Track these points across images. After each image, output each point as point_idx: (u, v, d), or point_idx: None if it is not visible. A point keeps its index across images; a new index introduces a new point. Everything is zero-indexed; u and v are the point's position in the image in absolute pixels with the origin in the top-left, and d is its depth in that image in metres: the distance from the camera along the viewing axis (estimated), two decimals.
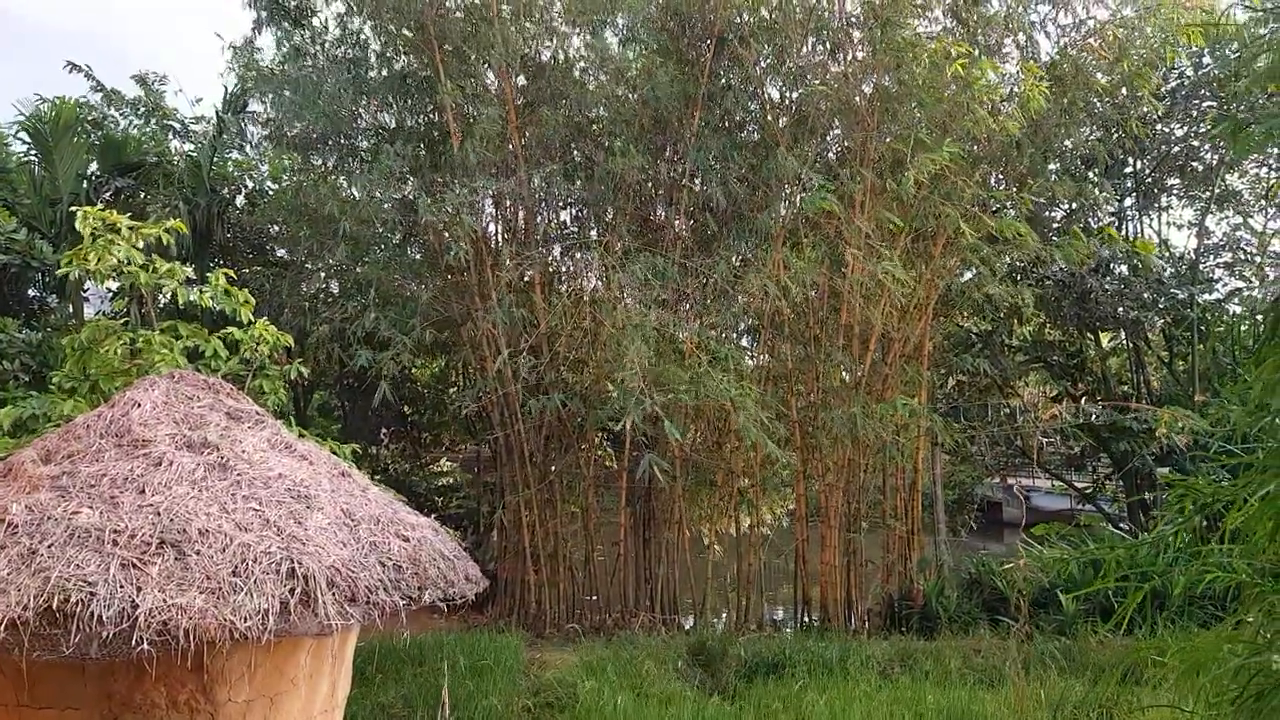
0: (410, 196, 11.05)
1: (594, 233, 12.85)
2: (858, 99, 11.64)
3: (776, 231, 11.38)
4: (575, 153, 12.13)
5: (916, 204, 11.19)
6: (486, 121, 11.08)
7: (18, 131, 12.98)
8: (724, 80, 11.98)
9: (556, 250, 13.17)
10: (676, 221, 11.96)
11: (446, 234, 11.02)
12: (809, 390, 12.02)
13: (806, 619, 12.06)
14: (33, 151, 12.95)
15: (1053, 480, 18.33)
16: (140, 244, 7.72)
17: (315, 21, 12.66)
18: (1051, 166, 13.14)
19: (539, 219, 12.74)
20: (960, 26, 11.75)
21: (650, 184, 12.19)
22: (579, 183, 11.86)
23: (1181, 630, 8.80)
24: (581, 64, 12.05)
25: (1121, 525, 14.53)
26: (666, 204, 12.25)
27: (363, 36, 12.51)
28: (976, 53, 11.31)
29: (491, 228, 12.82)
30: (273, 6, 12.39)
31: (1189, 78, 13.71)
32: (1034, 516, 16.90)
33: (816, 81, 11.75)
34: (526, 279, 12.23)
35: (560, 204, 12.91)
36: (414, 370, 16.04)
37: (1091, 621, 10.11)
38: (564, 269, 13.22)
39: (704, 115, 11.55)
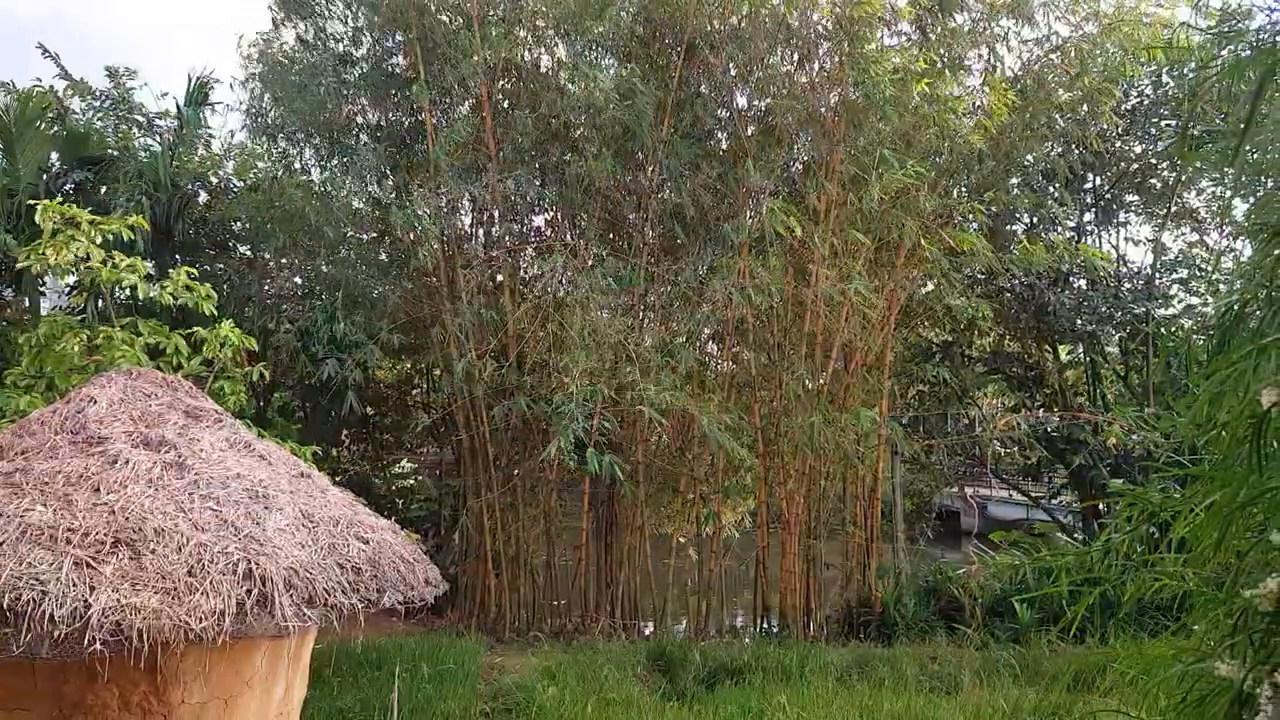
0: (386, 198, 11.02)
1: (566, 236, 12.85)
2: (824, 110, 11.75)
3: (742, 240, 11.45)
4: (549, 157, 12.12)
5: (879, 216, 11.32)
6: (462, 123, 11.07)
7: None
8: (693, 88, 12.05)
9: (525, 254, 13.17)
10: (645, 228, 12.00)
11: (417, 232, 11.00)
12: (771, 398, 12.10)
13: (766, 625, 12.12)
14: None
15: (1009, 489, 18.57)
16: (100, 239, 7.61)
17: (316, 14, 12.64)
18: (1012, 181, 13.36)
19: (510, 222, 12.74)
20: (926, 40, 11.88)
21: (619, 190, 12.22)
22: (551, 187, 11.85)
23: (1131, 638, 8.97)
24: (559, 71, 12.07)
25: (1076, 535, 14.76)
26: (634, 210, 12.28)
27: (357, 33, 12.48)
28: (940, 66, 11.47)
29: (463, 229, 12.79)
30: None
31: (1148, 96, 13.99)
32: (990, 525, 17.13)
33: (784, 91, 11.85)
34: (496, 281, 12.22)
35: (531, 208, 12.93)
36: (377, 371, 15.92)
37: (1045, 629, 10.28)
38: (532, 272, 13.24)
39: (673, 122, 11.60)
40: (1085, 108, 12.32)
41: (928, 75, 10.64)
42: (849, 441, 11.32)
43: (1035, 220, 14.51)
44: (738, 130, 12.33)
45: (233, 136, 14.58)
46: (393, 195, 11.07)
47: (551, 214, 13.14)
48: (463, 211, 12.53)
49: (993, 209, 12.56)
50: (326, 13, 12.52)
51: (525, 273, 12.99)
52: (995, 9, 12.01)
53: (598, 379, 10.28)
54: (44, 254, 7.32)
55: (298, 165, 13.13)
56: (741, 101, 12.60)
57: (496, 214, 12.43)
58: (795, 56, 12.10)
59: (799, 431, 11.00)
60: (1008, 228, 14.48)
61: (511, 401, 11.04)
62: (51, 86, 13.50)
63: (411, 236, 11.23)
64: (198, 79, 14.18)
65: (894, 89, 10.86)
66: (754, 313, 11.48)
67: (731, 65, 11.72)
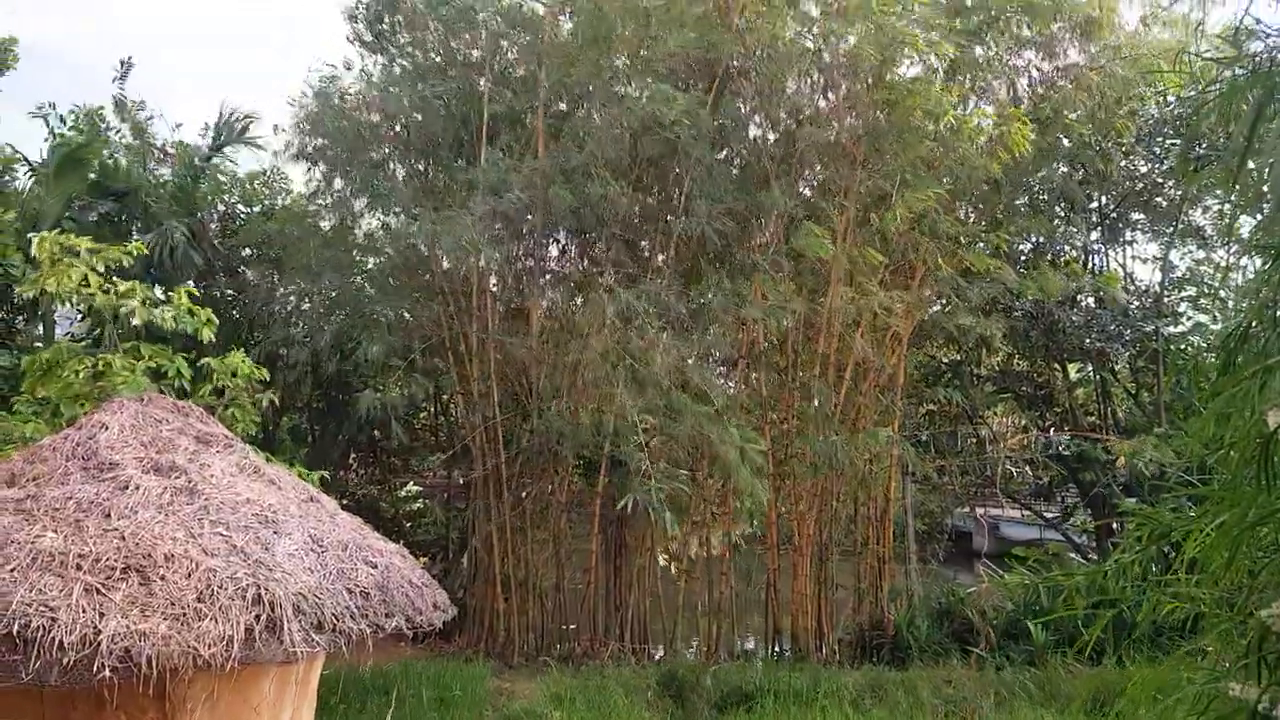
0: (432, 227, 11.16)
1: (585, 263, 12.89)
2: (847, 136, 11.78)
3: (765, 262, 11.48)
4: (586, 187, 12.14)
5: (897, 238, 11.38)
6: (516, 150, 11.54)
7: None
8: (724, 114, 12.00)
9: (547, 279, 13.26)
10: (661, 255, 12.01)
11: (457, 256, 11.15)
12: (782, 419, 12.06)
13: (778, 648, 12.03)
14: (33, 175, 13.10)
15: (1022, 510, 18.45)
16: (102, 266, 7.70)
17: (391, 52, 13.11)
18: (1018, 201, 13.40)
19: (539, 249, 12.81)
20: (953, 72, 11.90)
21: (642, 216, 12.33)
22: (581, 214, 11.83)
23: (1148, 658, 8.89)
24: (600, 107, 12.15)
25: (1090, 555, 14.66)
26: (656, 235, 12.29)
27: (426, 70, 12.77)
28: (957, 97, 11.55)
29: (502, 256, 12.84)
30: (369, 30, 12.93)
31: (1153, 115, 14.00)
32: (1003, 546, 17.00)
33: (807, 112, 11.94)
34: (519, 306, 12.32)
35: (558, 235, 13.00)
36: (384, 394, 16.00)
37: (1061, 651, 10.18)
38: (556, 299, 13.32)
39: (699, 149, 11.64)
40: (1099, 135, 12.46)
41: (953, 114, 10.79)
42: (862, 462, 11.31)
43: (1042, 240, 14.51)
44: (763, 154, 12.28)
45: (266, 170, 14.86)
46: (437, 224, 11.23)
47: (578, 240, 13.20)
48: (505, 240, 12.57)
49: (1010, 232, 12.64)
50: (405, 52, 12.97)
51: (550, 298, 13.08)
52: (1021, 41, 12.18)
53: (642, 445, 10.19)
54: (48, 283, 7.40)
55: (338, 187, 13.33)
56: (768, 127, 12.62)
57: (528, 240, 12.49)
58: (823, 83, 12.18)
59: (815, 452, 10.98)
60: (1016, 247, 14.48)
61: (533, 424, 11.04)
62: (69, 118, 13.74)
63: (447, 263, 11.38)
64: (235, 116, 14.38)
65: (919, 118, 10.97)
66: (767, 334, 11.47)
67: (761, 92, 11.71)
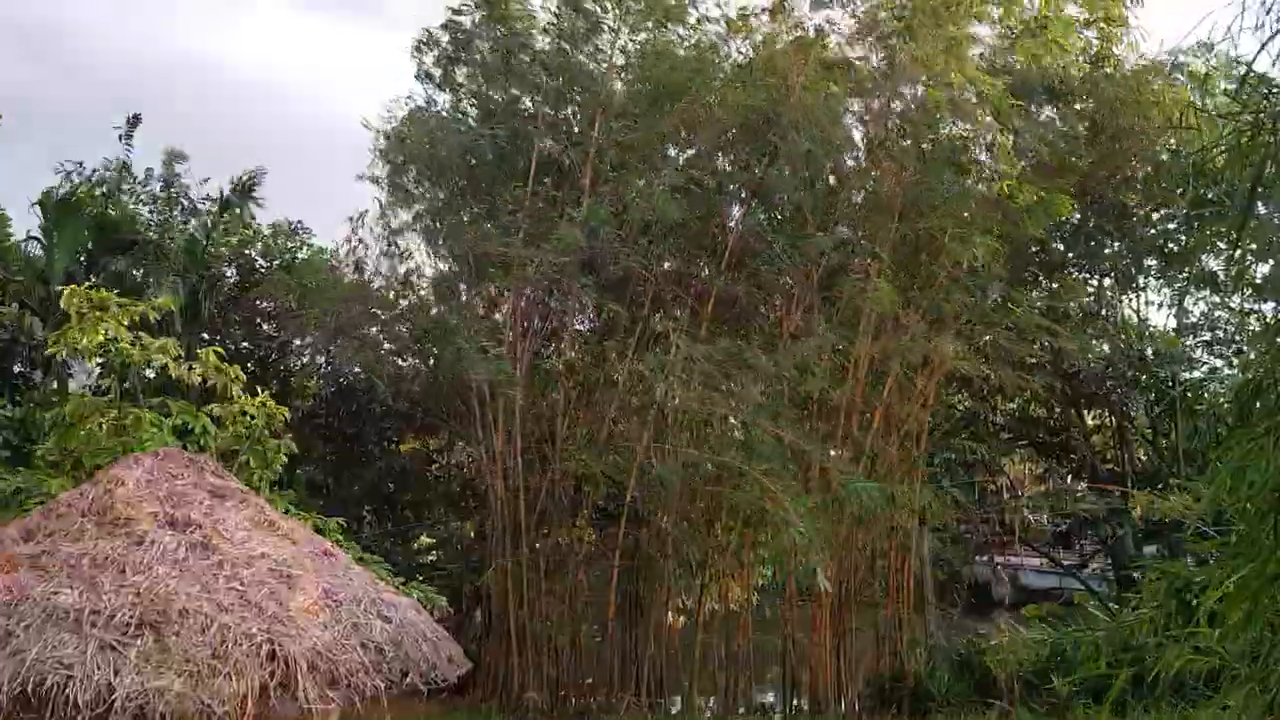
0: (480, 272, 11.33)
1: (621, 316, 12.90)
2: (888, 192, 11.92)
3: (798, 314, 11.56)
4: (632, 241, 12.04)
5: (932, 291, 11.49)
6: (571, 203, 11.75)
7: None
8: (775, 172, 12.09)
9: (580, 329, 13.38)
10: (701, 308, 12.03)
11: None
12: (804, 468, 11.98)
13: (796, 701, 11.85)
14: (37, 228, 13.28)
15: (1041, 557, 18.22)
16: (128, 321, 7.78)
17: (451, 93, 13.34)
18: (1034, 249, 13.48)
19: (575, 298, 12.85)
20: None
21: (683, 268, 12.56)
22: (621, 265, 11.78)
23: (1171, 708, 8.69)
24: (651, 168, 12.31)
25: (1111, 604, 14.43)
26: (696, 288, 12.33)
27: (488, 112, 12.99)
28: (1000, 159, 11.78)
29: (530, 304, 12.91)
30: (438, 64, 13.08)
31: (1164, 163, 14.04)
32: (1023, 594, 16.77)
33: (851, 166, 12.20)
34: (549, 355, 12.59)
35: (596, 285, 13.04)
36: (399, 447, 16.03)
37: (1085, 702, 9.97)
38: (589, 350, 13.36)
39: (747, 207, 11.76)
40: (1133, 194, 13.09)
41: (1010, 182, 11.18)
42: (886, 514, 11.26)
43: (1057, 287, 14.51)
44: (806, 207, 12.27)
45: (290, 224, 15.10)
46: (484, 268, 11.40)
47: (626, 292, 13.12)
48: (544, 288, 12.54)
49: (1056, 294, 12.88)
50: (468, 94, 13.22)
51: (583, 348, 13.15)
52: (1074, 113, 12.77)
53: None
54: (75, 338, 7.48)
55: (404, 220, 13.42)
56: (814, 181, 12.70)
57: (565, 292, 12.55)
58: (869, 141, 12.47)
59: (854, 500, 10.97)
60: (1031, 294, 14.46)
61: (554, 473, 11.06)
62: (91, 173, 14.03)
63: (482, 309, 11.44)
64: (246, 174, 14.64)
65: (962, 177, 11.34)
66: (798, 386, 11.48)
67: (811, 150, 11.77)
